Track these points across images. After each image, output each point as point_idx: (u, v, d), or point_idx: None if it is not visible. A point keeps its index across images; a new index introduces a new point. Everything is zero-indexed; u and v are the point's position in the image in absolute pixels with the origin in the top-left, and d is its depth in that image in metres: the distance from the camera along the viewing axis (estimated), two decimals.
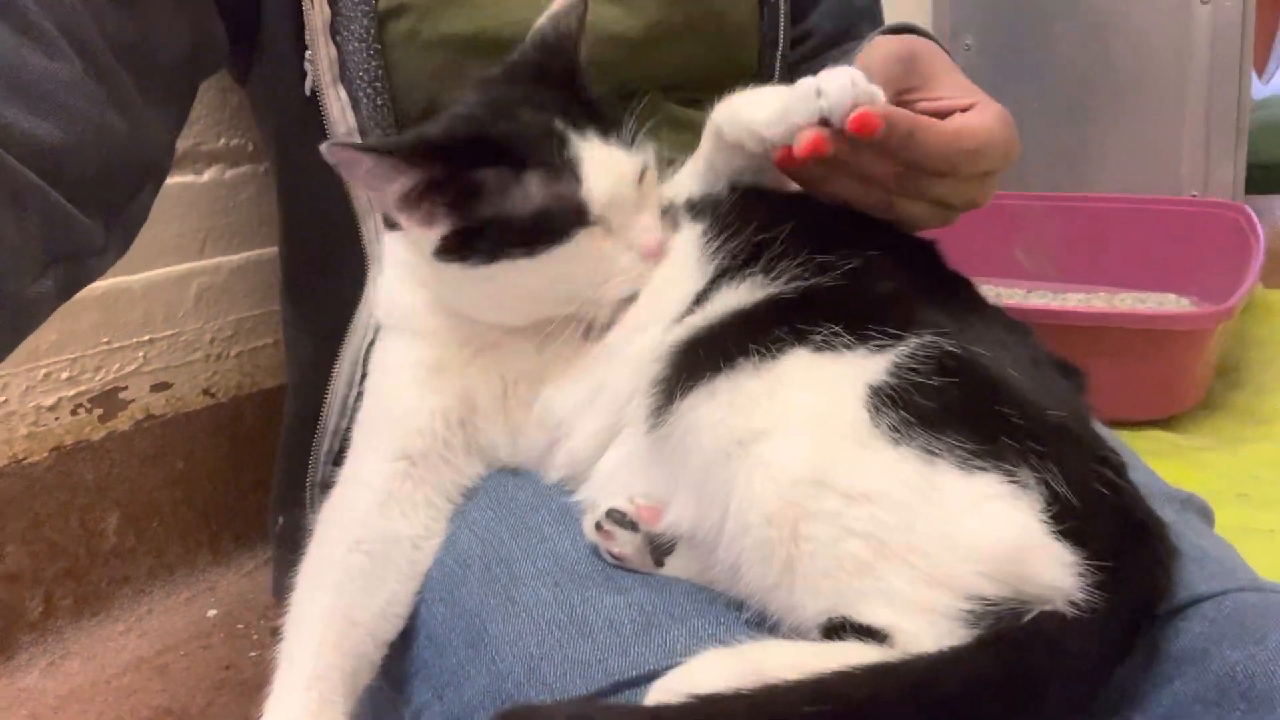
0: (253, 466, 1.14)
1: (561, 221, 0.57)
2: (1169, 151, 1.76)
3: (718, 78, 0.90)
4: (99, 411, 1.02)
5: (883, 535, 0.47)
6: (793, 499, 0.49)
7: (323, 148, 0.55)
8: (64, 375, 0.99)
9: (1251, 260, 1.41)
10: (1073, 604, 0.46)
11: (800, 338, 0.53)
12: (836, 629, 0.47)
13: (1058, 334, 1.33)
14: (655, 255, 0.60)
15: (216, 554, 1.13)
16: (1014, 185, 1.86)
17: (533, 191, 0.57)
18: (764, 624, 0.52)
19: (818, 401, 0.51)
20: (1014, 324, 0.59)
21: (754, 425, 0.51)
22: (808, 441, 0.50)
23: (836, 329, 0.52)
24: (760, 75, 0.92)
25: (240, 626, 1.05)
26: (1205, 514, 0.67)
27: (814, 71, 0.57)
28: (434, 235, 0.59)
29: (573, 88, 0.61)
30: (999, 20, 1.78)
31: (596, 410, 0.62)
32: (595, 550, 0.59)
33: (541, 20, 0.64)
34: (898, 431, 0.49)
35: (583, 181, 0.57)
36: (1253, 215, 1.55)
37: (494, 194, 0.57)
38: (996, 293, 1.79)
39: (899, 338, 0.52)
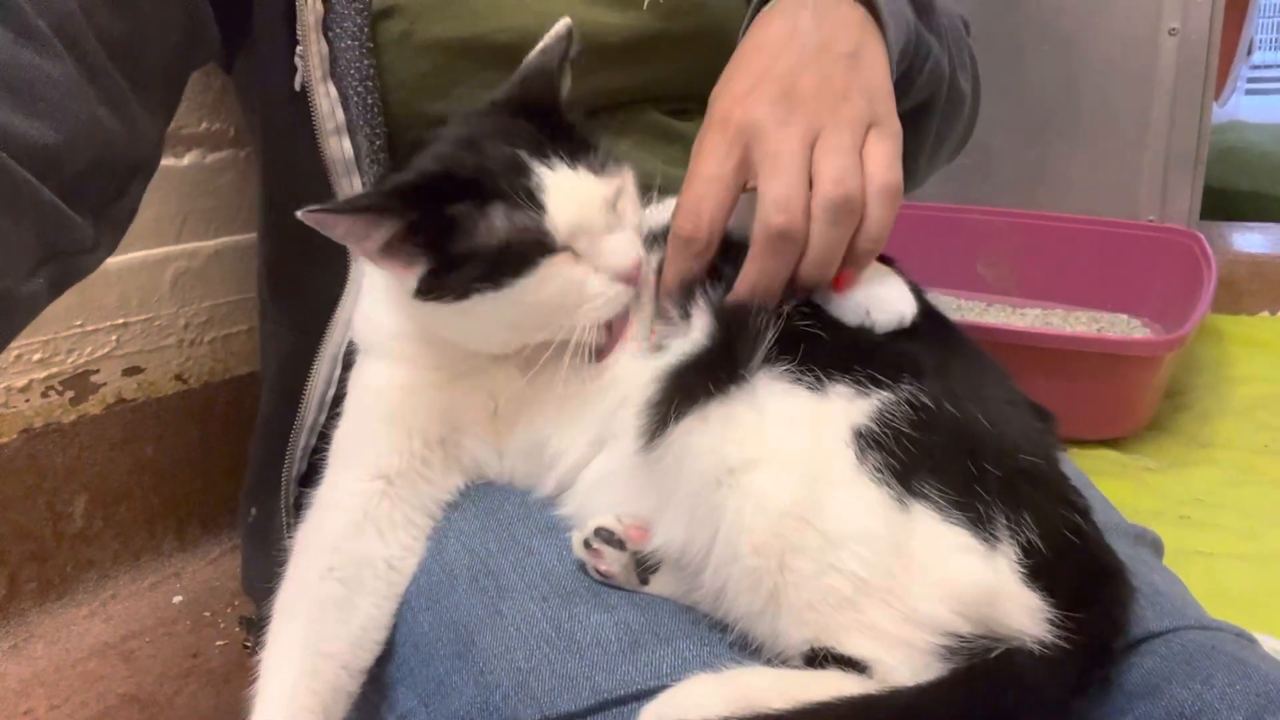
0: (222, 454, 1.14)
1: (526, 252, 0.57)
2: (1129, 176, 1.81)
3: (708, 88, 0.91)
4: (70, 394, 1.01)
5: (864, 573, 0.49)
6: (780, 531, 0.51)
7: (299, 214, 0.55)
8: (35, 357, 0.98)
9: (1204, 289, 1.47)
10: (1039, 642, 0.49)
11: (792, 374, 0.55)
12: (818, 658, 0.50)
13: (1014, 353, 1.38)
14: (629, 277, 0.59)
15: (183, 540, 1.13)
16: (979, 201, 1.91)
17: (497, 224, 0.57)
18: (747, 647, 0.54)
19: (807, 437, 0.53)
20: (992, 367, 0.61)
21: (746, 454, 0.52)
22: (797, 476, 0.52)
23: (828, 367, 0.54)
24: None
25: (207, 614, 1.05)
26: (1157, 548, 0.71)
27: None
28: (412, 277, 0.58)
29: (549, 117, 0.61)
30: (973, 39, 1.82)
31: (585, 426, 0.63)
32: (582, 566, 0.60)
33: (532, 55, 0.64)
34: (881, 473, 0.51)
35: (545, 210, 0.57)
36: (1206, 244, 1.60)
37: (465, 229, 0.57)
38: (957, 305, 1.84)
39: (883, 383, 0.54)
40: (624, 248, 0.59)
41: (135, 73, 0.66)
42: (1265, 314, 1.85)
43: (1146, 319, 1.72)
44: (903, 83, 0.74)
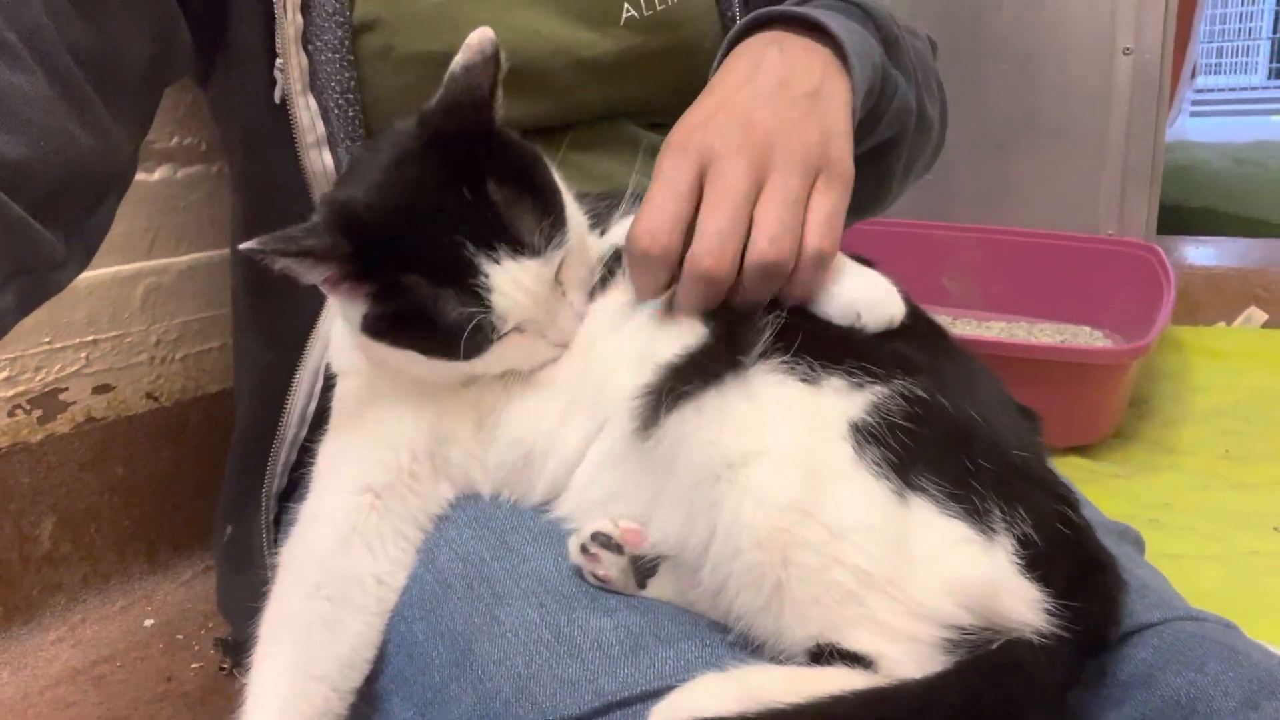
0: (194, 473, 1.12)
1: (475, 339, 0.57)
2: (1088, 191, 1.86)
3: (683, 105, 0.92)
4: (38, 413, 0.99)
5: (868, 567, 0.50)
6: (783, 525, 0.51)
7: (241, 248, 0.55)
8: (2, 375, 0.96)
9: (1164, 300, 1.50)
10: (1038, 633, 0.50)
11: (786, 366, 0.55)
12: (823, 654, 0.50)
13: (987, 363, 1.40)
14: (567, 344, 0.63)
15: (154, 562, 1.10)
16: (943, 217, 1.94)
17: (448, 309, 0.57)
18: (748, 647, 0.54)
19: (804, 431, 0.53)
20: (980, 366, 0.63)
21: (744, 448, 0.53)
22: (797, 470, 0.52)
23: (821, 360, 0.55)
24: None
25: (180, 637, 1.03)
26: (1139, 544, 0.72)
27: None
28: (357, 313, 0.59)
29: (487, 157, 0.58)
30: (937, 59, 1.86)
31: (576, 418, 0.63)
32: (578, 571, 0.60)
33: (455, 66, 0.59)
34: (879, 467, 0.52)
35: (493, 309, 0.57)
36: (1164, 256, 1.65)
37: (415, 295, 0.57)
38: None
39: (876, 376, 0.54)
40: (566, 324, 0.62)
41: (108, 86, 0.65)
42: (1222, 324, 1.91)
43: (1107, 330, 1.76)
44: (869, 120, 0.75)
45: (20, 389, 0.97)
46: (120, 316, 1.04)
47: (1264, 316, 1.85)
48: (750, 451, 0.53)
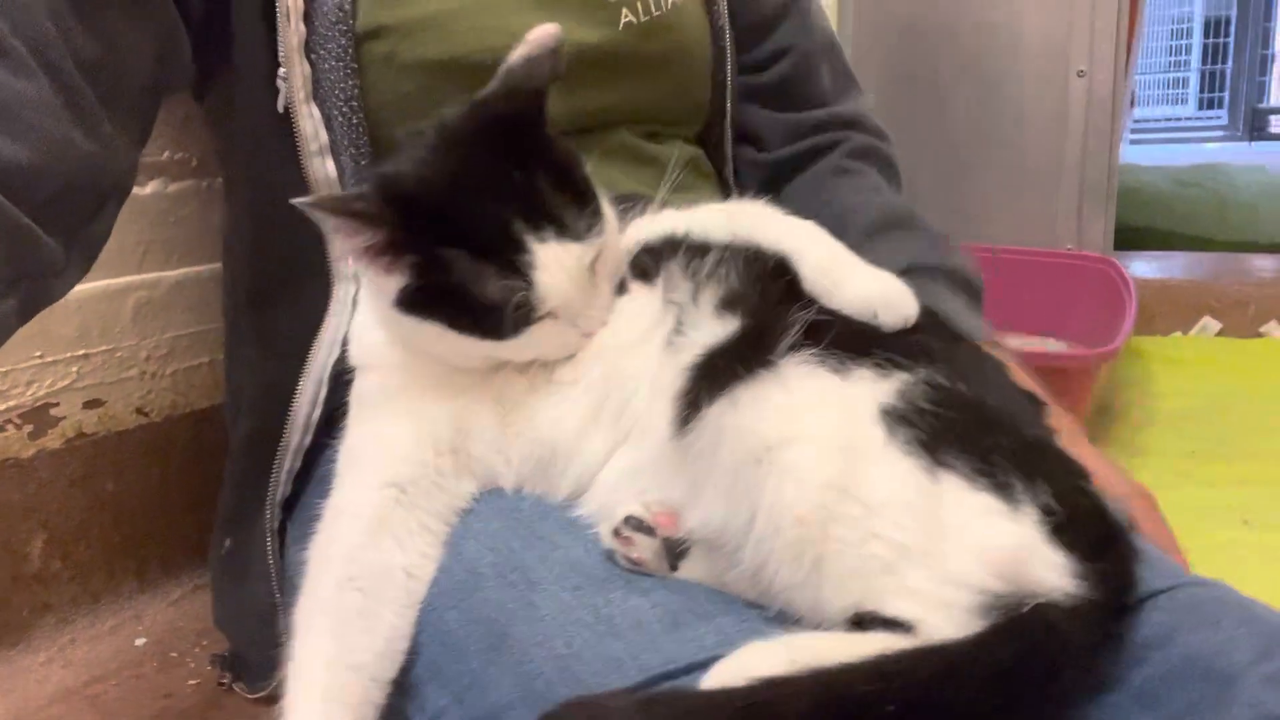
0: (183, 490, 1.11)
1: (514, 319, 0.59)
2: (1046, 209, 1.92)
3: (677, 113, 0.95)
4: (29, 428, 0.97)
5: (904, 539, 0.52)
6: (822, 503, 0.53)
7: (294, 201, 0.57)
8: None
9: (1127, 309, 1.56)
10: (1066, 595, 0.52)
11: (816, 358, 0.57)
12: (863, 622, 0.52)
13: None
14: (594, 334, 0.64)
15: (143, 581, 1.08)
16: None
17: (489, 285, 0.58)
18: (785, 622, 0.55)
19: (837, 415, 0.56)
20: (988, 356, 0.66)
21: (782, 432, 0.55)
22: (833, 451, 0.54)
23: (849, 352, 0.57)
24: (711, 111, 0.96)
25: (174, 655, 1.01)
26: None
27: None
28: (392, 286, 0.60)
29: (533, 138, 0.61)
30: (897, 86, 1.92)
31: (601, 426, 0.64)
32: (610, 556, 0.61)
33: (515, 59, 0.62)
34: (910, 446, 0.54)
35: (535, 286, 0.58)
36: (1123, 269, 1.71)
37: (454, 270, 0.58)
38: None
39: (901, 365, 0.57)
40: (596, 313, 0.63)
41: (110, 95, 0.66)
42: (1178, 334, 1.98)
43: (1069, 341, 1.81)
44: None
45: (11, 404, 0.96)
46: (111, 331, 1.03)
47: (1218, 325, 1.92)
48: (788, 435, 0.55)
